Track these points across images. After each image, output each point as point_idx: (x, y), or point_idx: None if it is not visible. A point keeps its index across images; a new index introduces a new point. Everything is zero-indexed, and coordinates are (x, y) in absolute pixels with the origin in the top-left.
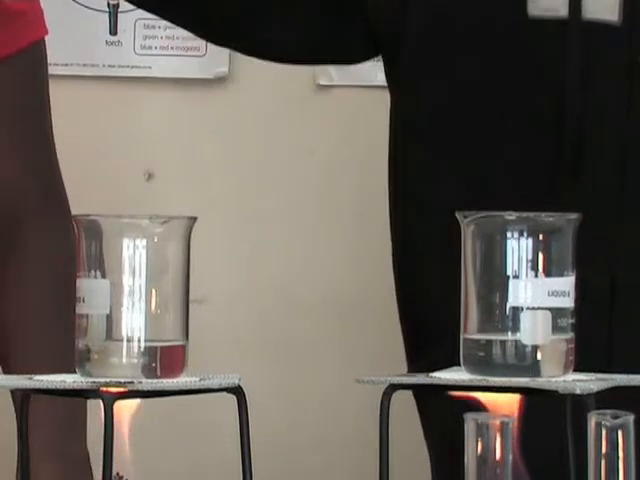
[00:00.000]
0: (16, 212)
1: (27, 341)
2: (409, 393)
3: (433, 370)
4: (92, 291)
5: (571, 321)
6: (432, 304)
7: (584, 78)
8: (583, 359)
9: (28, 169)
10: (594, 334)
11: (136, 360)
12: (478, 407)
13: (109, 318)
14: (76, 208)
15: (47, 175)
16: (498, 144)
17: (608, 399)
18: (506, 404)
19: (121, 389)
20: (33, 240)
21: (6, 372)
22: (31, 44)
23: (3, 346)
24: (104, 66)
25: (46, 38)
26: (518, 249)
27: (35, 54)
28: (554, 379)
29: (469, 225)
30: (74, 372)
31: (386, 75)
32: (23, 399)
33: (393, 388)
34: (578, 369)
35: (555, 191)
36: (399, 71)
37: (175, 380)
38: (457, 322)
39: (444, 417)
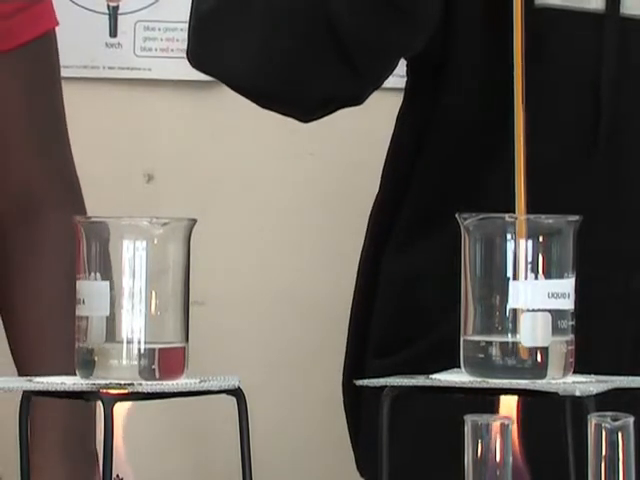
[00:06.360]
0: (31, 200)
1: (39, 332)
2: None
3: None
4: (92, 293)
5: (571, 323)
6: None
7: (619, 76)
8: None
9: (43, 155)
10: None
11: (136, 362)
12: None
13: (109, 320)
14: None
15: (60, 161)
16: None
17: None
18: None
19: (121, 391)
20: (49, 229)
21: (15, 359)
22: (47, 32)
23: (9, 330)
24: (104, 68)
25: None
26: (518, 251)
27: (49, 42)
28: (554, 381)
29: (469, 227)
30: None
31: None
32: (23, 401)
33: (392, 390)
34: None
35: (589, 192)
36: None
37: (175, 382)
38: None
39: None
